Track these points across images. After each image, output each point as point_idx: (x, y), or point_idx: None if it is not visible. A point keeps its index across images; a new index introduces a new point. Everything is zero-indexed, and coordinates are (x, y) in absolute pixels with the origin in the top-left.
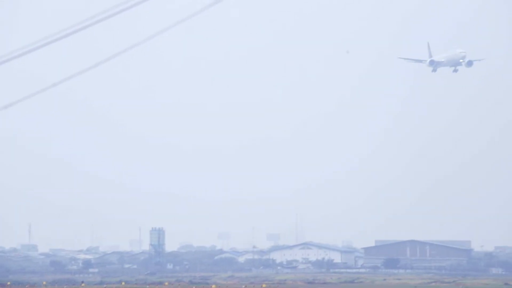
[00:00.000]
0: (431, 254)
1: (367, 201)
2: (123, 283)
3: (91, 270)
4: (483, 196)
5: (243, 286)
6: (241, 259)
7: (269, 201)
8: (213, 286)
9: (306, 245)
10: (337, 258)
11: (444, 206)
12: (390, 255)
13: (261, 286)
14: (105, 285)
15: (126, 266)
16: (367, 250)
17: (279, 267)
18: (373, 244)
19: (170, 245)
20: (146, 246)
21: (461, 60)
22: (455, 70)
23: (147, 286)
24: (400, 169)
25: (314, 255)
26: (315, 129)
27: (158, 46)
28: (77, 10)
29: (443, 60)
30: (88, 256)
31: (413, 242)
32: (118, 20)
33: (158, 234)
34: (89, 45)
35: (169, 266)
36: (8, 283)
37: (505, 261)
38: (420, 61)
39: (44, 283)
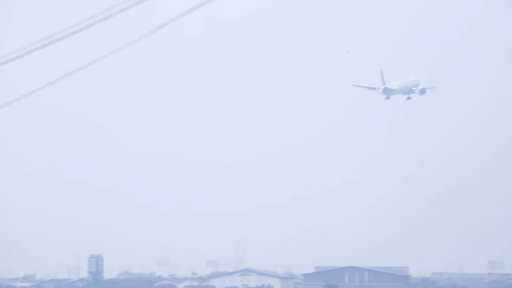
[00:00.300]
0: (369, 280)
1: (309, 227)
2: None
3: None
4: (423, 223)
5: None
6: (181, 286)
7: (209, 226)
8: None
9: (246, 272)
10: (276, 284)
11: (383, 233)
12: (330, 281)
13: None
14: None
15: None
16: (307, 276)
17: None
18: (312, 271)
19: (109, 272)
20: (84, 274)
21: (414, 88)
22: (408, 98)
23: None
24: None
25: (254, 281)
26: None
27: (152, 53)
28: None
29: (396, 87)
30: (24, 284)
31: (352, 269)
32: (107, 25)
33: (97, 261)
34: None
35: None
36: None
37: (442, 287)
38: (374, 88)
39: None
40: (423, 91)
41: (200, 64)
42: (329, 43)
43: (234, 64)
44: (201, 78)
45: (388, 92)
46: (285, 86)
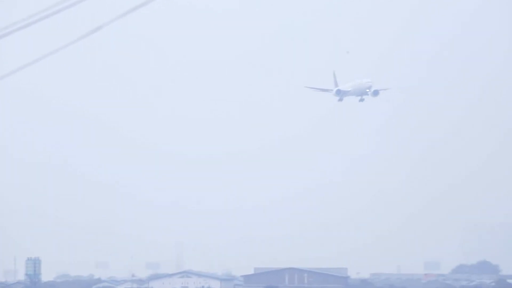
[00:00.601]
0: (309, 282)
1: (248, 229)
2: None
3: None
4: (362, 224)
5: None
6: None
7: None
8: None
9: (185, 274)
10: (216, 286)
11: (322, 233)
12: (269, 282)
13: None
14: None
15: None
16: (247, 278)
17: None
18: (252, 272)
19: (47, 275)
20: (21, 276)
21: (367, 90)
22: (361, 100)
23: None
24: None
25: (193, 283)
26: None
27: (148, 50)
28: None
29: (349, 89)
30: None
31: (291, 270)
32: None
33: (34, 264)
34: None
35: None
36: None
37: (380, 287)
38: (327, 90)
39: None
40: (376, 93)
41: (192, 61)
42: (324, 42)
43: (226, 61)
44: (195, 76)
45: (341, 94)
46: (278, 83)
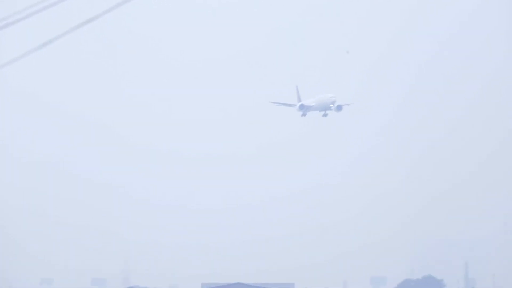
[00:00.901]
0: None
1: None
2: None
3: None
4: (311, 240)
5: None
6: None
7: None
8: None
9: None
10: None
11: (271, 248)
12: None
13: None
14: None
15: None
16: None
17: None
18: (199, 287)
19: None
20: None
21: (331, 105)
22: (325, 115)
23: None
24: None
25: None
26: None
27: (154, 40)
28: None
29: (313, 104)
30: None
31: (239, 285)
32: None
33: None
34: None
35: None
36: None
37: None
38: (290, 105)
39: None
40: (339, 108)
41: (189, 59)
42: (323, 41)
43: (224, 59)
44: (192, 74)
45: (304, 109)
46: (275, 81)
